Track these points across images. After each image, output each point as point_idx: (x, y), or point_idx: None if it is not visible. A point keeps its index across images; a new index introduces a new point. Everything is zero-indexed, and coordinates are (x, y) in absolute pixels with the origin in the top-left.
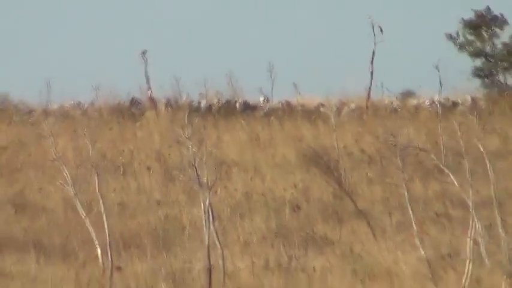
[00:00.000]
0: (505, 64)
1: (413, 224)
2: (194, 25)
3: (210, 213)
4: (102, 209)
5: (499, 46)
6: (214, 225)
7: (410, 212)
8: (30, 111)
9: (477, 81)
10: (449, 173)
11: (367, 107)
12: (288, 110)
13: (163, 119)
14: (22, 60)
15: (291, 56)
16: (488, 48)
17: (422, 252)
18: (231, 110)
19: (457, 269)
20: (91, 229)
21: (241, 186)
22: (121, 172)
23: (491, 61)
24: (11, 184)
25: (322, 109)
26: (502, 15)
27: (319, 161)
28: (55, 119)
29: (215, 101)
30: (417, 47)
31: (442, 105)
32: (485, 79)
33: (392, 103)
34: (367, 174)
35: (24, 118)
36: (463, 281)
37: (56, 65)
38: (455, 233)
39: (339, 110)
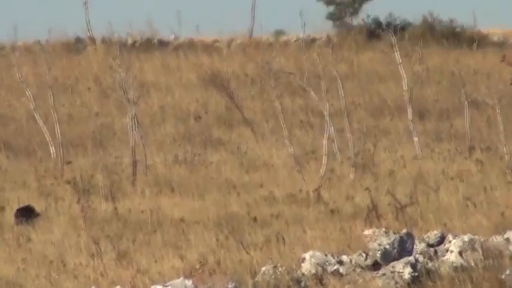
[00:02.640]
0: (351, 10)
1: (284, 128)
2: None
3: (135, 121)
4: (55, 119)
5: None
6: (137, 130)
7: (282, 120)
8: (2, 47)
9: (331, 23)
10: (311, 91)
11: (249, 42)
12: (191, 45)
13: (100, 52)
14: None
15: (195, 4)
16: None
17: (291, 150)
18: (149, 45)
19: (316, 162)
20: (47, 134)
21: (157, 102)
22: (69, 91)
23: (340, 8)
24: None
25: (216, 44)
26: None
27: (215, 82)
28: (20, 53)
29: (138, 38)
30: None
31: (305, 40)
32: (337, 21)
33: (268, 39)
34: (250, 92)
35: None
36: (321, 170)
37: (21, 10)
38: (315, 136)
39: (229, 44)
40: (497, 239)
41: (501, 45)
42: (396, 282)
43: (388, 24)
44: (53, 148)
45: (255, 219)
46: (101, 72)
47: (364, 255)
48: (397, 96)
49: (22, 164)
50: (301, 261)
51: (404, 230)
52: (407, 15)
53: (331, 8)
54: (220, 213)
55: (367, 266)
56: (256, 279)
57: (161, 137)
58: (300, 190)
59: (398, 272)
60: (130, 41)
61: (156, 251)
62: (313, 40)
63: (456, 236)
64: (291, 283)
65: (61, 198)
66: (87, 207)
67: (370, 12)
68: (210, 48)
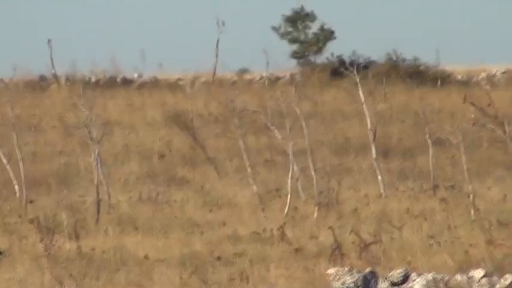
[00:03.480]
0: (315, 48)
1: (248, 167)
2: (88, 20)
3: (99, 160)
4: (19, 157)
5: (311, 35)
6: (101, 169)
7: (246, 158)
8: None
9: (294, 61)
10: (275, 129)
11: (213, 80)
12: (155, 83)
13: (63, 90)
14: None
15: (158, 43)
16: (302, 37)
17: (255, 188)
18: (113, 83)
19: (280, 201)
20: (11, 172)
21: (121, 140)
22: (33, 130)
23: (304, 46)
24: None
25: (180, 82)
26: (312, 11)
27: (179, 121)
28: None
29: (102, 76)
30: (251, 35)
31: (269, 79)
32: (300, 59)
33: (232, 77)
34: (214, 130)
35: None
36: (285, 209)
37: None
38: (279, 174)
39: (192, 83)
40: (460, 278)
41: (465, 83)
42: None
43: (352, 63)
44: (17, 186)
45: (218, 257)
46: (65, 110)
47: None
48: (361, 135)
49: None
50: None
51: (368, 269)
52: (371, 53)
53: (295, 47)
54: (184, 251)
55: None
56: None
57: (125, 175)
58: (264, 229)
59: None
60: (94, 79)
61: None
62: (277, 78)
63: (420, 274)
64: None
65: (25, 236)
66: (51, 245)
67: (334, 50)
68: (174, 86)
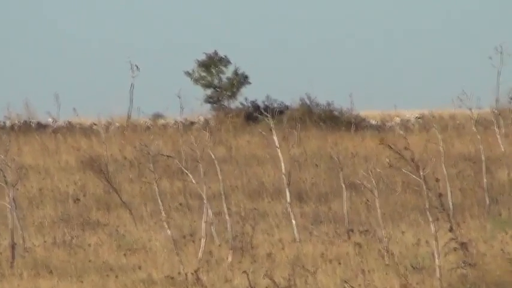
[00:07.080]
0: (229, 93)
1: (162, 211)
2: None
3: (13, 204)
4: None
5: (225, 80)
6: (16, 213)
7: (160, 203)
8: None
9: (208, 106)
10: (189, 174)
11: (127, 125)
12: (69, 128)
13: None
14: None
15: (73, 87)
16: (216, 81)
17: (169, 232)
18: (28, 128)
19: (195, 245)
20: None
21: (35, 184)
22: None
23: (218, 91)
24: None
25: (95, 127)
26: (226, 56)
27: (93, 165)
28: None
29: (16, 121)
30: (164, 81)
31: (183, 123)
32: (214, 104)
33: (146, 122)
34: (128, 175)
35: None
36: (199, 253)
37: None
38: (194, 218)
39: (107, 128)
40: None
41: (379, 128)
42: None
43: (266, 108)
44: None
45: None
46: None
47: None
48: (275, 179)
49: None
50: None
51: None
52: (285, 98)
53: (209, 92)
54: None
55: None
56: None
57: (40, 219)
58: (179, 273)
59: None
60: (8, 124)
61: None
62: (191, 123)
63: None
64: None
65: None
66: None
67: (248, 95)
68: (88, 131)
